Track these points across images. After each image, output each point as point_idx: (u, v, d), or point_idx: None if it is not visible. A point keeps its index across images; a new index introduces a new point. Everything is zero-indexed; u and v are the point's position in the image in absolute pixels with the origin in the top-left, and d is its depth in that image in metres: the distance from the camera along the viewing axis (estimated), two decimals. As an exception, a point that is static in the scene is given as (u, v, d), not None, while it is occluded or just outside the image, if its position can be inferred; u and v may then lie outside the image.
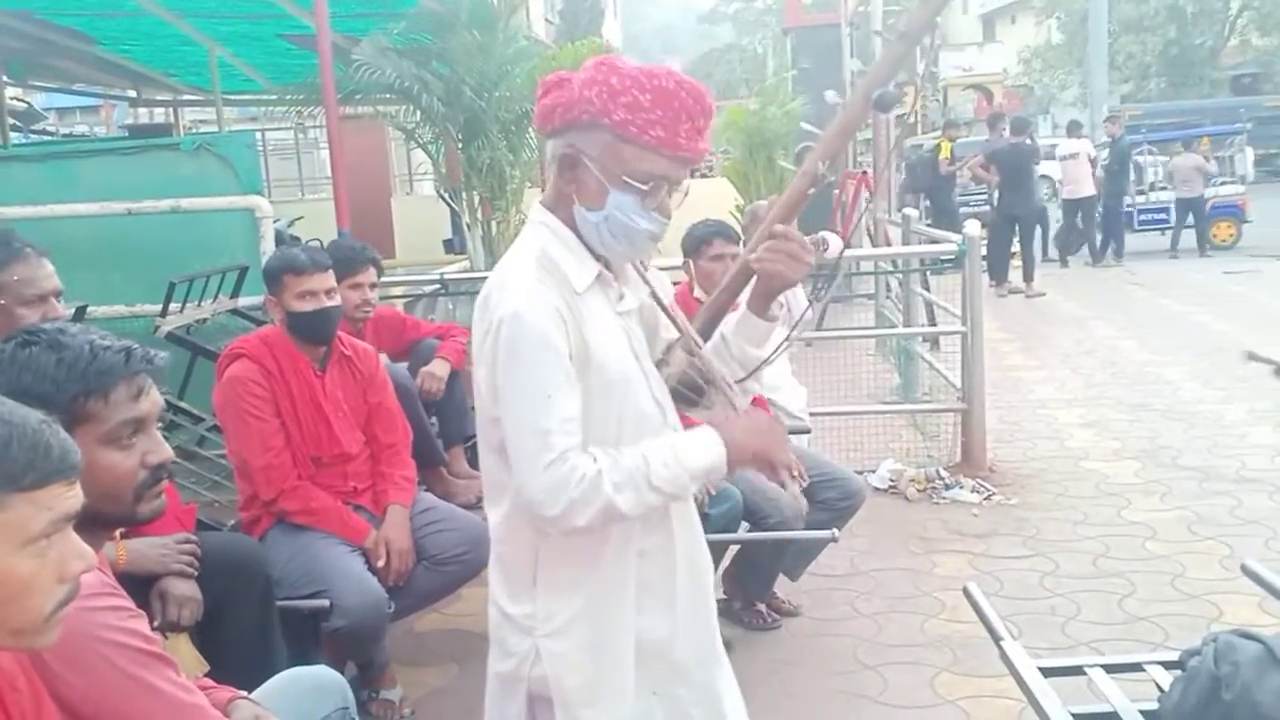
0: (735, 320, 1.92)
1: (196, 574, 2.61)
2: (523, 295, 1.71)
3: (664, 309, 1.95)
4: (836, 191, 13.00)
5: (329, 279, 3.21)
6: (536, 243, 1.79)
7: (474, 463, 4.34)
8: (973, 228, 5.50)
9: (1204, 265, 13.19)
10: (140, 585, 2.53)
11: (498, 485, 1.84)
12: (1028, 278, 11.95)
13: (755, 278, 1.86)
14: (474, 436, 4.31)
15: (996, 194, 12.58)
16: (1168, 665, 2.15)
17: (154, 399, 1.67)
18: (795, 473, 1.84)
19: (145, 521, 1.69)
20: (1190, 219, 14.57)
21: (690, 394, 1.91)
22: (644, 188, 1.71)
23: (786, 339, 2.02)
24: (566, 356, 1.70)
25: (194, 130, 13.57)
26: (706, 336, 1.93)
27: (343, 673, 3.02)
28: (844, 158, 15.00)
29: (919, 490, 5.13)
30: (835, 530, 3.59)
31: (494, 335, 1.71)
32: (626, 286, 1.87)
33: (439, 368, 4.05)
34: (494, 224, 7.78)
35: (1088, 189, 13.44)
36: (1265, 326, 9.11)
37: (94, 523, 1.46)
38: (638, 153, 1.69)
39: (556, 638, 1.81)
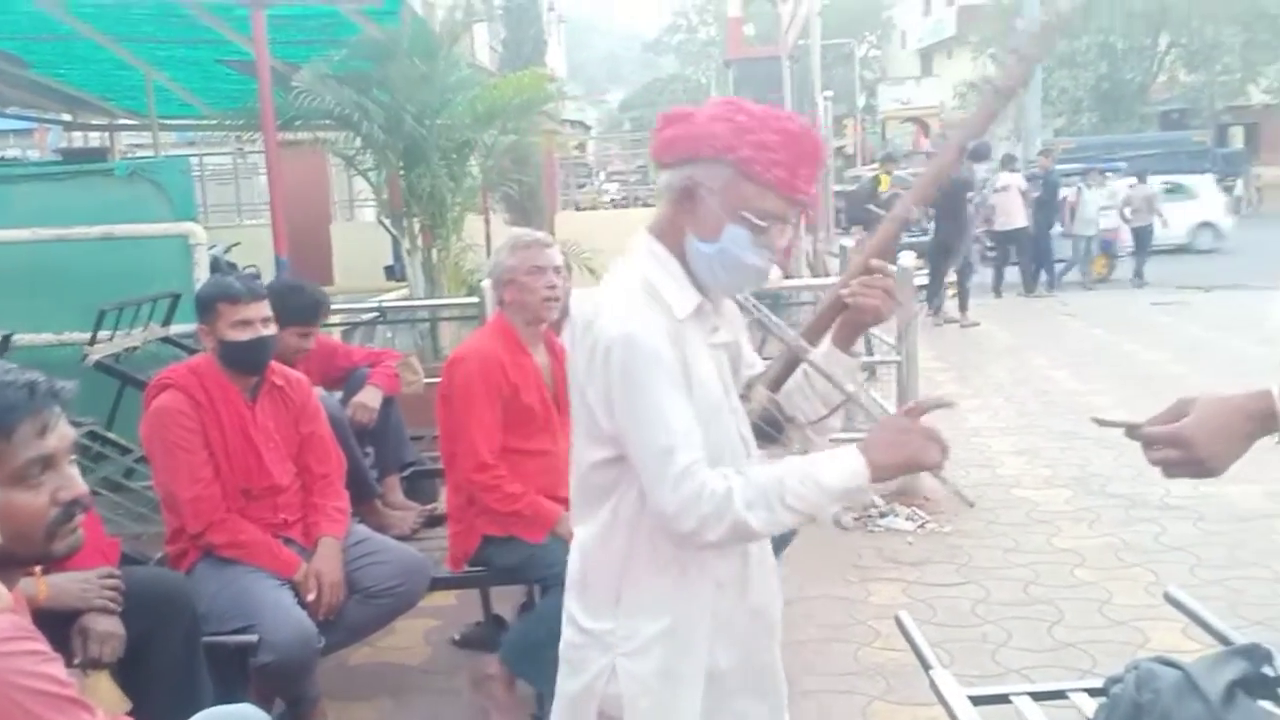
0: (820, 356, 1.92)
1: (120, 609, 2.55)
2: (631, 318, 1.75)
3: (771, 332, 1.97)
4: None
5: (265, 308, 3.18)
6: (640, 269, 1.82)
7: (410, 492, 4.31)
8: (907, 258, 5.59)
9: (1134, 296, 13.53)
10: (62, 621, 2.47)
11: (590, 501, 1.88)
12: (963, 307, 12.16)
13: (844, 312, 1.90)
14: (411, 465, 4.33)
15: (932, 225, 12.81)
16: (1092, 692, 2.18)
17: (62, 433, 1.62)
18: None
19: (62, 558, 1.65)
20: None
21: (770, 430, 1.92)
22: (761, 224, 1.75)
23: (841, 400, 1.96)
24: (679, 374, 1.74)
25: (130, 155, 13.37)
26: (789, 373, 1.94)
27: (271, 709, 2.98)
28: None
29: (854, 518, 5.18)
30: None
31: (604, 358, 1.74)
32: (721, 320, 1.89)
33: (370, 396, 4.02)
34: (434, 251, 7.74)
35: (1019, 221, 13.74)
36: (1191, 356, 9.36)
37: (6, 563, 1.43)
38: (759, 190, 1.74)
39: (635, 657, 1.83)
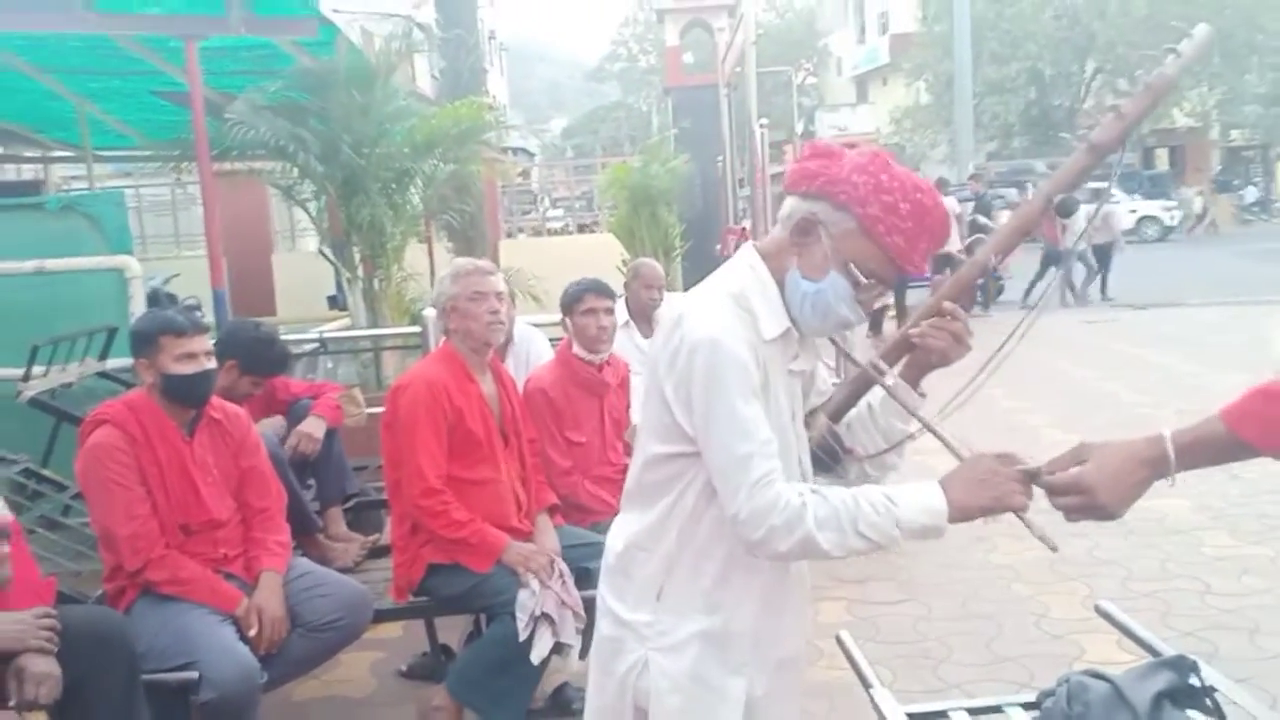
0: (884, 393, 1.93)
1: (56, 649, 2.51)
2: (719, 323, 1.76)
3: (852, 360, 2.01)
4: (719, 247, 13.27)
5: (206, 341, 3.17)
6: (737, 283, 1.84)
7: (355, 524, 4.28)
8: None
9: (1064, 315, 13.81)
10: (-4, 663, 2.44)
11: (647, 493, 1.89)
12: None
13: (913, 352, 1.91)
14: (354, 496, 4.30)
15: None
16: (1026, 706, 2.24)
17: None
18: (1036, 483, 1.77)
19: None
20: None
21: (827, 459, 1.94)
22: (864, 281, 1.77)
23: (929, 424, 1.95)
24: (760, 387, 1.76)
25: (65, 188, 13.15)
26: (852, 404, 1.95)
27: (213, 747, 2.94)
28: (726, 214, 15.37)
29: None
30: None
31: (688, 359, 1.75)
32: (803, 348, 1.90)
33: (314, 426, 4.00)
34: (376, 281, 7.71)
35: (953, 244, 13.99)
36: (1121, 373, 9.58)
37: None
38: (873, 250, 1.76)
39: (669, 654, 1.85)
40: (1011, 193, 21.22)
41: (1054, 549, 1.82)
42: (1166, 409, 7.89)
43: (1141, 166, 31.27)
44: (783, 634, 1.94)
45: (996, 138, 35.14)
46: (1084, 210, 14.42)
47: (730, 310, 1.79)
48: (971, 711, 2.30)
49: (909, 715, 2.22)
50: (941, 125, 34.31)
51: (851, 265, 1.76)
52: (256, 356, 3.84)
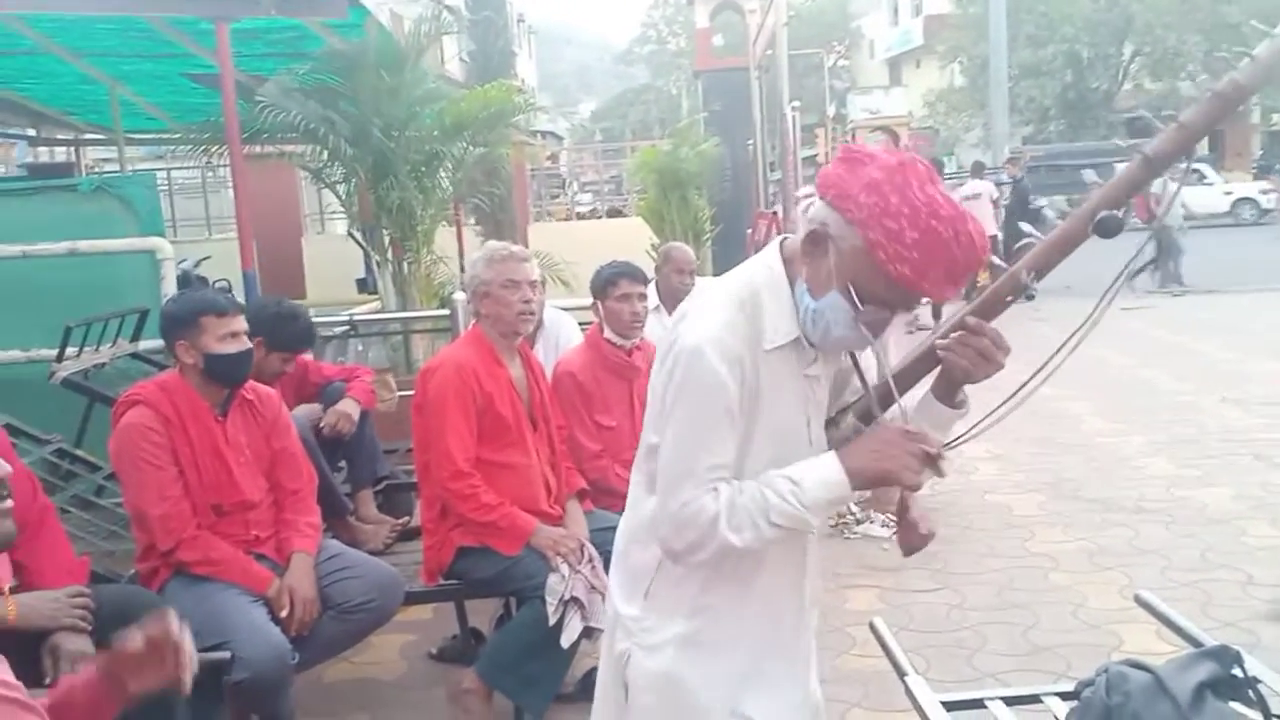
0: (919, 401, 1.83)
1: (90, 628, 2.52)
2: (711, 332, 1.71)
3: (862, 379, 1.87)
4: (749, 231, 13.20)
5: (244, 321, 3.18)
6: (752, 283, 1.76)
7: (385, 506, 4.29)
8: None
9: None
10: (32, 641, 2.45)
11: (642, 485, 1.89)
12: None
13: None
14: (385, 479, 4.30)
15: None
16: (1064, 696, 2.20)
17: None
18: (939, 463, 1.70)
19: None
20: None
21: None
22: (862, 308, 1.66)
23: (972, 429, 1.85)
24: (735, 400, 1.70)
25: (96, 169, 13.25)
26: (881, 409, 1.80)
27: (245, 727, 2.96)
28: (757, 198, 15.28)
29: (830, 526, 5.20)
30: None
31: (674, 361, 1.74)
32: (822, 355, 1.82)
33: (350, 407, 4.01)
34: (405, 264, 7.71)
35: (990, 228, 13.86)
36: (1158, 360, 9.45)
37: None
38: (877, 275, 1.62)
39: (650, 652, 1.85)
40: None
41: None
42: (1207, 396, 7.78)
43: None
44: (780, 674, 1.87)
45: (1032, 121, 34.79)
46: (1172, 189, 14.10)
47: (731, 316, 1.72)
48: (1008, 701, 2.25)
49: (944, 704, 2.19)
50: (976, 109, 34.02)
51: (851, 287, 1.65)
52: (281, 332, 3.83)
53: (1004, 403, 1.74)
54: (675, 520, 1.73)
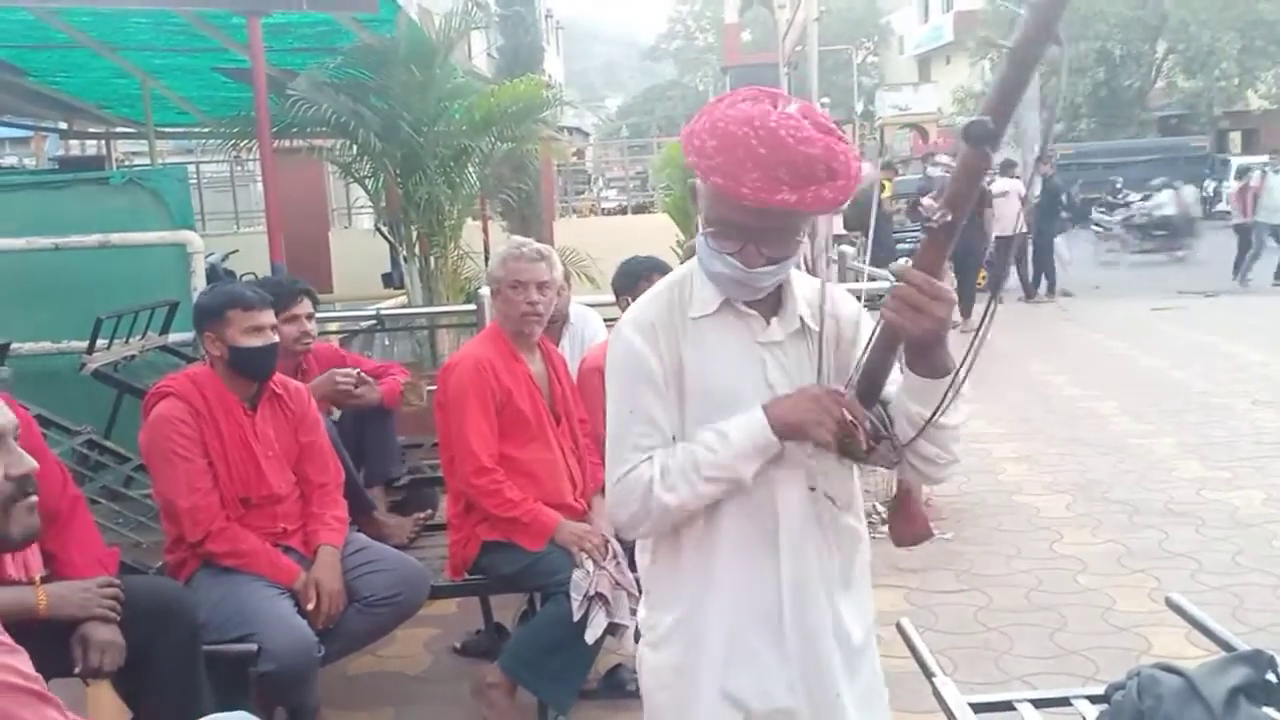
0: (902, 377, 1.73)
1: (119, 618, 2.54)
2: (634, 311, 1.82)
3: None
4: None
5: (272, 315, 3.20)
6: (691, 263, 1.83)
7: (409, 501, 4.30)
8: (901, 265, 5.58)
9: (1132, 302, 13.51)
10: (61, 631, 2.47)
11: None
12: (965, 313, 12.14)
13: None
14: (398, 480, 4.31)
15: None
16: (1094, 699, 2.18)
17: (7, 415, 1.67)
18: (857, 434, 1.67)
19: (18, 544, 1.66)
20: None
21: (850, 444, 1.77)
22: (709, 230, 1.71)
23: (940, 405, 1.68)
24: (656, 368, 1.76)
25: (127, 163, 13.35)
26: (871, 395, 1.73)
27: (272, 719, 2.97)
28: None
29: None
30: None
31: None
32: (780, 318, 1.80)
33: (371, 390, 4.01)
34: (432, 259, 7.73)
35: (1007, 228, 13.70)
36: (1190, 361, 9.35)
37: None
38: (712, 195, 1.68)
39: (657, 648, 1.88)
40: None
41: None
42: (1238, 398, 7.69)
43: (1214, 149, 30.43)
44: (764, 653, 1.81)
45: (1063, 119, 34.44)
46: (1277, 181, 13.88)
47: (658, 292, 1.82)
48: (1037, 703, 2.24)
49: (972, 705, 2.17)
50: (1005, 106, 33.67)
51: (703, 218, 1.72)
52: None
53: (951, 381, 1.64)
54: (616, 494, 1.78)
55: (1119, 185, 20.94)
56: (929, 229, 1.56)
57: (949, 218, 1.52)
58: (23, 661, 1.53)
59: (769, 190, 1.58)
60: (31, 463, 1.66)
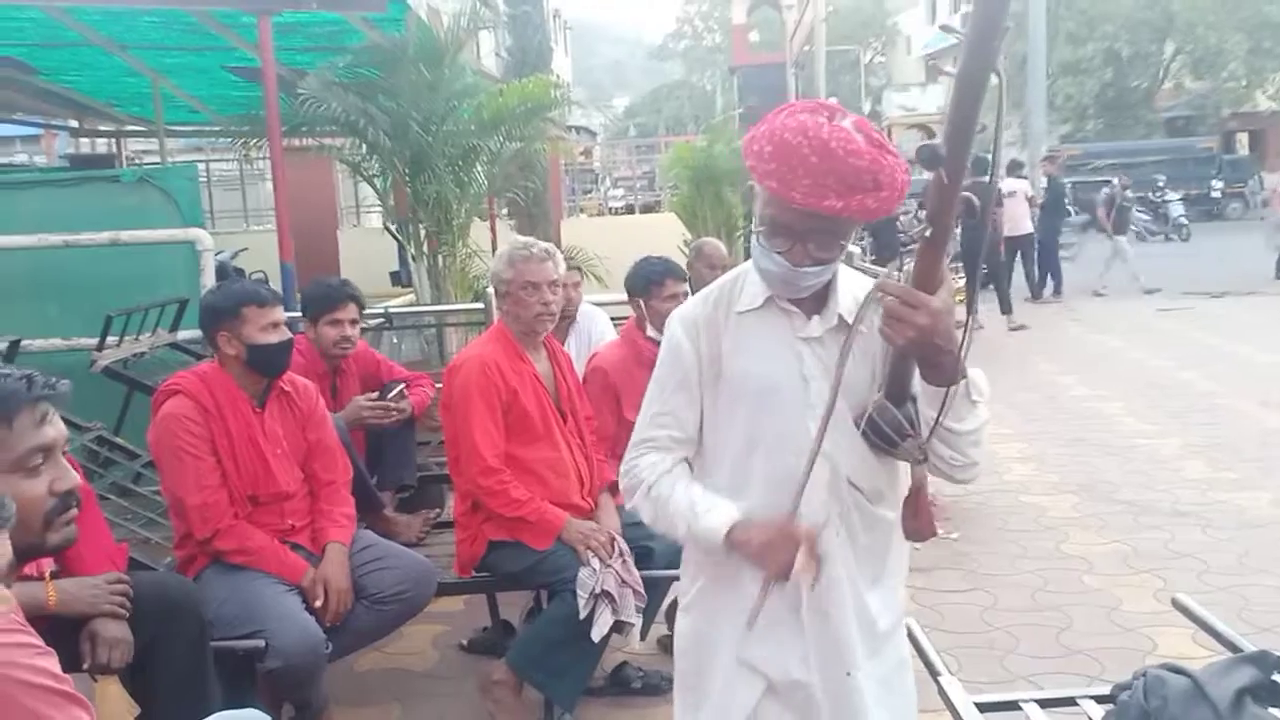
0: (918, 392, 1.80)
1: (128, 615, 2.55)
2: (686, 306, 2.02)
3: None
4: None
5: (283, 311, 3.24)
6: (748, 263, 1.95)
7: (416, 499, 4.31)
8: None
9: (1139, 303, 13.49)
10: (70, 626, 2.48)
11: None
12: (1004, 310, 12.15)
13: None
14: (409, 486, 4.32)
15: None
16: (1100, 699, 2.18)
17: (59, 427, 1.68)
18: (814, 569, 1.83)
19: (54, 550, 1.68)
20: None
21: (877, 440, 1.83)
22: (761, 229, 1.83)
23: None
24: (693, 364, 1.94)
25: (137, 161, 13.39)
26: (900, 396, 1.80)
27: (279, 715, 2.99)
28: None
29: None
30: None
31: None
32: (821, 316, 1.89)
33: (405, 403, 4.05)
34: (440, 257, 7.75)
35: (1025, 227, 13.68)
36: (1197, 362, 9.33)
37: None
38: (766, 198, 1.79)
39: (686, 612, 2.05)
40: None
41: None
42: (1245, 399, 7.67)
43: (1221, 150, 30.33)
44: (780, 625, 1.90)
45: (1070, 120, 34.39)
46: None
47: (713, 292, 1.97)
48: (1043, 703, 2.24)
49: (978, 705, 2.18)
50: (1013, 107, 33.64)
51: (757, 217, 1.85)
52: (314, 298, 3.95)
53: (929, 434, 1.77)
54: (624, 464, 2.02)
55: (1160, 184, 21.08)
56: (918, 241, 1.70)
57: (928, 233, 1.63)
58: (53, 663, 1.54)
59: (817, 196, 1.69)
60: (75, 478, 1.67)
